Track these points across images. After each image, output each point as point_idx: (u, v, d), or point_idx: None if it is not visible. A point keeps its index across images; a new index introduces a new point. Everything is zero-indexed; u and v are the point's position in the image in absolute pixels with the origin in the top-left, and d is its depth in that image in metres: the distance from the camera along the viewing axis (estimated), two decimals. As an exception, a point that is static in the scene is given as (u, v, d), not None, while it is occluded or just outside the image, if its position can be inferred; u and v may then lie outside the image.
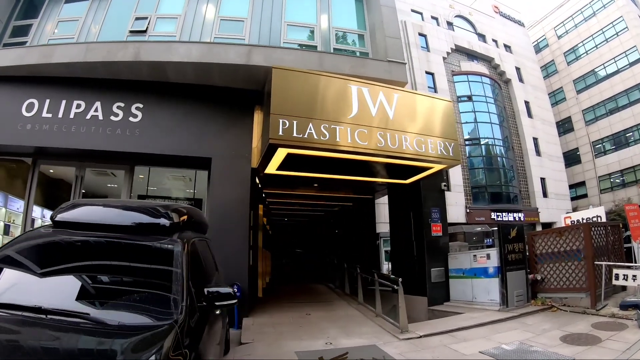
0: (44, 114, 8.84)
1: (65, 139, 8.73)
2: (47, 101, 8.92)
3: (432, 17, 31.23)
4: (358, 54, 10.56)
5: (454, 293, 10.25)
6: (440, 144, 8.73)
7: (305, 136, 7.53)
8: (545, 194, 29.88)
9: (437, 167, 9.30)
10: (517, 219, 27.17)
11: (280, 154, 8.15)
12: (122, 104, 9.06)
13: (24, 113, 8.81)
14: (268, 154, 8.10)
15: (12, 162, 9.93)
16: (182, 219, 3.85)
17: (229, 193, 9.05)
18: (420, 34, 28.95)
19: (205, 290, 3.40)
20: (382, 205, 16.92)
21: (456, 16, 32.62)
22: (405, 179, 10.58)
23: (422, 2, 31.02)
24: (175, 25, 9.99)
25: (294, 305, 10.25)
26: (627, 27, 33.67)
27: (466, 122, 28.73)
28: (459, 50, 30.71)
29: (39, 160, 9.60)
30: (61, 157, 9.48)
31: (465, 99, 29.33)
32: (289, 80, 7.97)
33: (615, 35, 34.75)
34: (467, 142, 28.56)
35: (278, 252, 30.12)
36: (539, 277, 9.23)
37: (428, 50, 28.48)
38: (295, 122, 7.55)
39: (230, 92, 9.69)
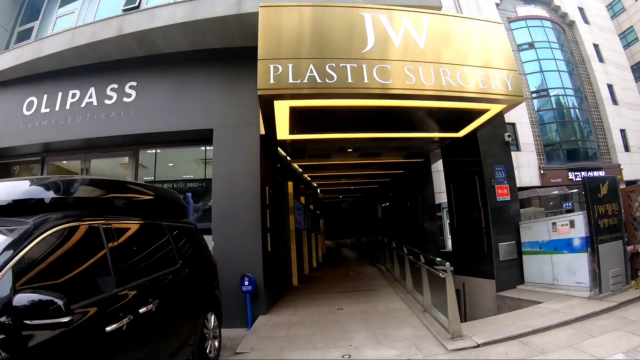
0: (43, 110, 8.58)
1: (64, 131, 8.29)
2: (45, 96, 8.62)
3: (480, -43, 27.03)
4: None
5: (530, 273, 7.89)
6: (494, 76, 6.35)
7: (305, 80, 5.60)
8: (627, 148, 25.57)
9: (494, 109, 6.92)
10: None
11: (282, 110, 6.35)
12: (115, 86, 8.26)
13: (25, 112, 8.66)
14: (266, 111, 6.34)
15: (29, 162, 9.73)
16: (75, 194, 2.96)
17: (235, 168, 7.58)
18: (469, -22, 25.18)
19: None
20: (442, 173, 14.57)
21: (506, -46, 28.13)
22: (457, 131, 8.26)
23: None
24: (168, -6, 8.64)
25: (330, 295, 8.49)
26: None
27: (531, 73, 25.03)
28: (513, -7, 26.52)
29: (46, 158, 9.35)
30: (65, 151, 9.10)
31: (527, 46, 25.54)
32: (281, 17, 6.08)
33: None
34: (534, 95, 24.97)
35: (327, 233, 28.85)
36: (641, 249, 6.57)
37: (480, -5, 24.72)
38: (290, 65, 5.65)
39: (229, 54, 8.16)
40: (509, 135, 8.89)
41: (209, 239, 7.01)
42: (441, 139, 9.06)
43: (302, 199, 12.75)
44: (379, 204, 20.74)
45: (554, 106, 25.24)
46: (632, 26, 32.36)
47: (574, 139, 24.72)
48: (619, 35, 30.83)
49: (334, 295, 8.40)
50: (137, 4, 8.68)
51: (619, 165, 24.52)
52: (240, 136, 7.70)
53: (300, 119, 6.92)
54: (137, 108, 8.05)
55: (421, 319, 5.93)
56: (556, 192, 22.83)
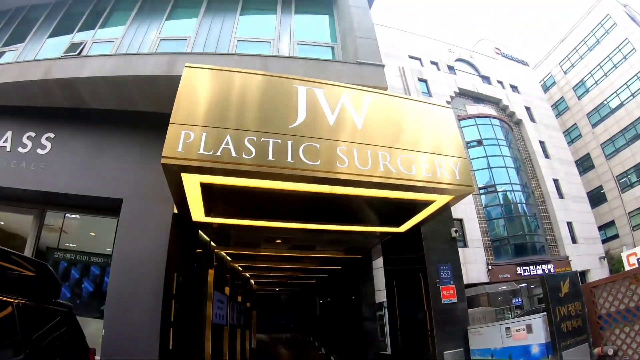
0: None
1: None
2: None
3: (432, 62, 29.93)
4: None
5: (481, 386, 6.97)
6: (440, 163, 5.94)
7: (219, 153, 4.91)
8: (574, 240, 26.60)
9: (440, 200, 6.46)
10: (546, 271, 23.81)
11: (192, 186, 5.60)
12: (32, 134, 7.56)
13: None
14: (174, 185, 5.48)
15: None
16: None
17: (141, 246, 6.74)
18: (420, 79, 27.74)
19: None
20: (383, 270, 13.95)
21: (457, 60, 31.19)
22: (399, 225, 7.68)
23: (419, 48, 29.95)
24: (111, 48, 8.48)
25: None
26: (634, 49, 31.35)
27: (479, 169, 26.22)
28: (463, 93, 29.02)
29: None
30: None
31: (475, 143, 27.13)
32: (205, 80, 5.65)
33: (624, 59, 32.27)
34: (482, 191, 25.94)
35: (263, 326, 27.35)
36: (610, 351, 5.87)
37: (430, 95, 26.82)
38: (204, 133, 5.04)
39: (155, 119, 7.42)
40: (455, 231, 8.50)
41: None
42: (381, 233, 8.50)
43: (227, 289, 11.41)
44: (317, 299, 19.64)
45: (502, 201, 26.16)
46: (575, 123, 35.82)
47: (521, 234, 25.32)
48: (563, 133, 33.85)
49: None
50: (77, 52, 8.23)
51: (567, 257, 25.22)
52: (152, 212, 6.98)
53: (216, 200, 6.25)
54: (49, 163, 7.28)
55: None
56: (504, 287, 22.84)
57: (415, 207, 6.76)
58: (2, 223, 8.01)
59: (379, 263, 13.36)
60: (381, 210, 6.99)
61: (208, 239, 9.41)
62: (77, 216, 7.99)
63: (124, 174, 7.18)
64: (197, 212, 6.70)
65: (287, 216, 7.01)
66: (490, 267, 23.05)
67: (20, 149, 7.37)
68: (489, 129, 27.64)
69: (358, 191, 5.76)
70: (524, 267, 23.63)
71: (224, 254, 11.26)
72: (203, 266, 9.15)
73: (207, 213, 6.73)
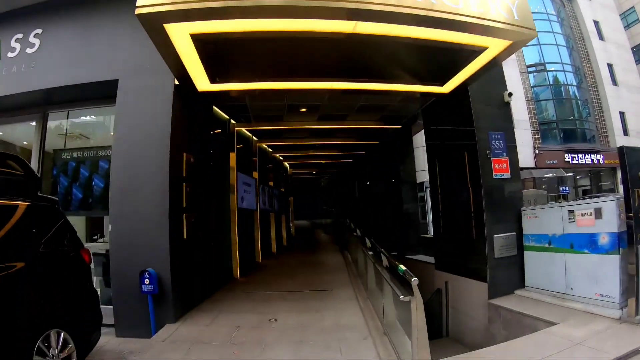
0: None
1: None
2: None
3: None
4: None
5: (533, 276, 6.28)
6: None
7: (203, -13, 3.66)
8: (626, 132, 24.04)
9: (493, 48, 5.05)
10: (595, 161, 22.18)
11: (183, 41, 4.47)
12: (20, 35, 6.69)
13: None
14: (160, 44, 4.43)
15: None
16: None
17: (142, 129, 5.86)
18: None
19: None
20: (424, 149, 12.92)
21: None
22: (443, 83, 6.39)
23: None
24: None
25: (271, 296, 6.75)
26: None
27: (528, 45, 22.89)
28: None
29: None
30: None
31: (525, 17, 23.33)
32: None
33: None
34: (529, 69, 23.12)
35: (301, 212, 27.73)
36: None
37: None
38: None
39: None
40: (509, 94, 7.10)
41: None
42: (422, 95, 7.18)
43: (255, 173, 10.85)
44: (354, 181, 19.08)
45: (551, 82, 23.57)
46: (633, 7, 30.48)
47: (571, 119, 23.21)
48: (619, 15, 29.04)
49: (277, 297, 6.68)
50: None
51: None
52: (150, 88, 5.94)
53: (217, 59, 5.08)
54: (41, 60, 6.45)
55: (377, 346, 4.20)
56: (550, 174, 21.49)
57: (462, 57, 5.39)
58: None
59: (419, 142, 12.40)
60: (420, 62, 5.69)
61: (226, 117, 8.55)
62: (84, 118, 7.24)
63: (117, 53, 6.10)
64: (201, 79, 5.66)
65: (307, 72, 5.79)
66: (537, 152, 21.47)
67: (10, 54, 6.65)
68: (539, 2, 23.93)
69: (391, 29, 4.44)
70: (573, 155, 21.95)
71: (248, 133, 10.45)
72: (224, 147, 8.47)
73: (212, 79, 5.67)
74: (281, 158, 15.62)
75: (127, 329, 5.41)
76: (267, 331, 4.95)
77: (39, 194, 4.23)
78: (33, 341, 3.27)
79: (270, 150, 13.25)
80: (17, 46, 6.60)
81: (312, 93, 6.73)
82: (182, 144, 6.03)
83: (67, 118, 7.12)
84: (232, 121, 8.82)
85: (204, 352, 4.31)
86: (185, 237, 5.93)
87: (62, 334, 3.62)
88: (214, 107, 7.79)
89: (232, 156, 8.60)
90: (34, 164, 6.97)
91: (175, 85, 5.81)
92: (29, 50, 6.51)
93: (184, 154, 6.06)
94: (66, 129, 7.11)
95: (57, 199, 4.55)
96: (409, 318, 3.35)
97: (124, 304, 5.51)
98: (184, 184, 6.01)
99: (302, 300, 6.38)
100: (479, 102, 6.77)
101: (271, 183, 13.25)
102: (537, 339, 4.24)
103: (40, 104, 6.91)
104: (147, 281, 5.28)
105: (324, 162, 17.09)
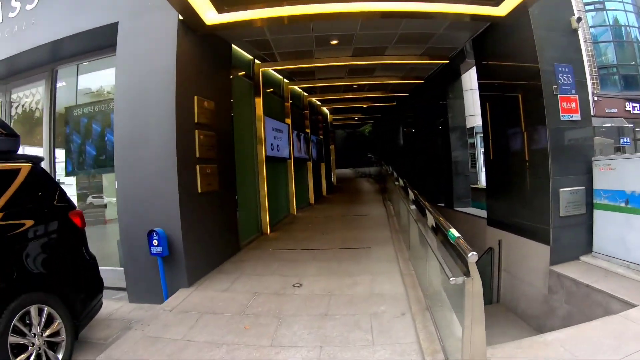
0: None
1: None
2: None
3: None
4: None
5: (603, 239, 5.22)
6: None
7: None
8: None
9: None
10: None
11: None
12: None
13: None
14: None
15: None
16: None
17: (146, 73, 5.18)
18: None
19: None
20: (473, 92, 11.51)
21: None
22: (498, 3, 5.15)
23: None
24: None
25: (300, 256, 6.17)
26: None
27: None
28: None
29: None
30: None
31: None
32: None
33: None
34: (587, 6, 20.65)
35: (344, 160, 27.01)
36: None
37: None
38: None
39: None
40: (578, 19, 5.72)
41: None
42: (472, 20, 5.91)
43: (288, 120, 10.04)
44: (398, 126, 17.88)
45: (611, 23, 21.18)
46: None
47: (633, 64, 21.00)
48: None
49: (307, 256, 6.07)
50: None
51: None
52: (152, 27, 5.21)
53: None
54: (41, 14, 5.97)
55: (417, 327, 3.47)
56: (609, 124, 19.37)
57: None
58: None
59: (467, 84, 11.06)
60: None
61: (249, 57, 7.70)
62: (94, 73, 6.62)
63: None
64: (206, 10, 4.82)
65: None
66: (596, 98, 19.24)
67: (10, 15, 6.27)
68: None
69: None
70: (634, 104, 19.84)
71: (277, 75, 9.58)
72: (249, 91, 7.70)
73: (219, 7, 4.81)
74: (318, 102, 14.64)
75: (140, 295, 4.98)
76: (288, 300, 4.35)
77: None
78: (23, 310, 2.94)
79: (305, 94, 12.31)
80: (17, 5, 6.20)
81: (341, 18, 5.58)
82: (192, 86, 5.31)
83: (77, 74, 6.59)
84: (257, 61, 7.95)
85: (211, 325, 3.77)
86: (199, 191, 5.33)
87: (47, 309, 3.16)
88: (234, 47, 6.93)
89: (258, 102, 7.82)
90: (45, 124, 6.63)
91: (180, 21, 5.01)
92: (28, 7, 6.07)
93: (195, 97, 5.34)
94: (76, 86, 6.60)
95: (41, 157, 4.03)
96: (462, 301, 2.55)
97: (135, 267, 5.09)
98: (197, 131, 5.34)
99: (335, 260, 5.73)
100: (542, 28, 5.47)
101: (308, 130, 12.42)
102: (614, 326, 3.34)
103: (47, 62, 6.52)
104: (155, 242, 4.77)
105: (365, 106, 15.92)
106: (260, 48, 7.20)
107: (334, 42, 6.89)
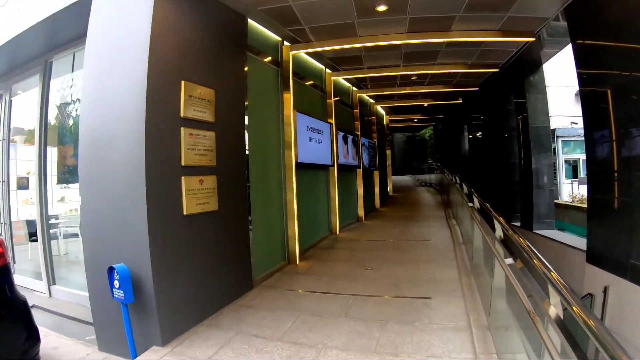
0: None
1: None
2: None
3: None
4: None
5: None
6: None
7: None
8: None
9: None
10: None
11: None
12: None
13: None
14: None
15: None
16: None
17: (111, 52, 3.90)
18: None
19: None
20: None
21: None
22: None
23: None
24: None
25: (333, 304, 4.40)
26: None
27: None
28: None
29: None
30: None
31: None
32: None
33: None
34: None
35: (402, 166, 25.32)
36: None
37: None
38: None
39: None
40: None
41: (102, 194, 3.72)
42: None
43: (331, 119, 8.36)
44: (464, 128, 15.66)
45: None
46: None
47: None
48: None
49: (338, 307, 4.32)
50: None
51: None
52: None
53: None
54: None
55: None
56: None
57: None
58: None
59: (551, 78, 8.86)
60: None
61: (275, 38, 6.14)
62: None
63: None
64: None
65: None
66: None
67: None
68: None
69: None
70: None
71: (315, 63, 7.91)
72: (274, 80, 6.12)
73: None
74: (371, 100, 12.82)
75: (109, 344, 3.70)
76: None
77: None
78: None
79: (353, 89, 10.55)
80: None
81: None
82: (177, 66, 3.82)
83: (73, 65, 5.37)
84: (286, 43, 6.35)
85: None
86: (185, 212, 3.80)
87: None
88: (251, 23, 5.39)
89: (287, 94, 6.19)
90: (35, 119, 5.53)
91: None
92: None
93: (183, 83, 3.83)
94: (72, 79, 5.39)
95: None
96: None
97: (102, 310, 3.71)
98: (183, 128, 3.82)
99: (377, 320, 3.89)
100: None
101: (358, 132, 10.65)
102: None
103: (39, 54, 5.53)
104: (116, 283, 3.32)
105: (425, 104, 13.84)
106: (283, 21, 5.55)
107: (382, 7, 5.09)
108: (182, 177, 3.80)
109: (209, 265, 4.15)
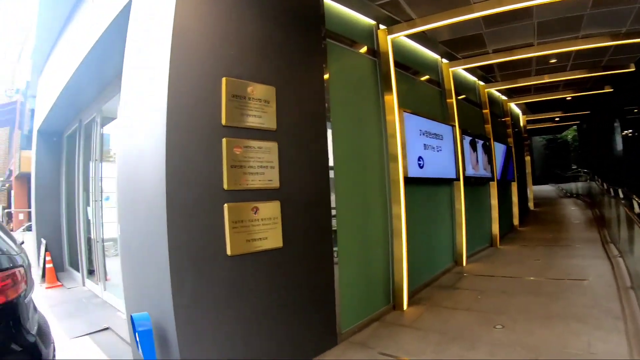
0: None
1: None
2: None
3: None
4: None
5: None
6: None
7: None
8: None
9: None
10: None
11: None
12: None
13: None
14: None
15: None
16: None
17: (144, 54, 3.27)
18: None
19: None
20: None
21: None
22: None
23: None
24: None
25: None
26: None
27: None
28: None
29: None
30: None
31: None
32: None
33: None
34: None
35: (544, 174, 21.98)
36: None
37: None
38: None
39: None
40: None
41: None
42: None
43: (453, 121, 6.72)
44: (614, 123, 12.44)
45: None
46: None
47: None
48: None
49: None
50: None
51: None
52: None
53: None
54: None
55: None
56: None
57: None
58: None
59: None
60: None
61: (369, 21, 4.87)
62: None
63: None
64: None
65: None
66: None
67: None
68: None
69: None
70: None
71: (427, 52, 6.38)
72: (370, 74, 4.85)
73: None
74: (503, 97, 10.62)
75: None
76: None
77: None
78: None
79: (480, 83, 8.68)
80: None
81: None
82: (215, 57, 2.86)
83: None
84: (382, 27, 5.04)
85: None
86: (230, 252, 2.77)
87: None
88: (329, 3, 4.22)
89: (389, 93, 4.86)
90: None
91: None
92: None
93: (224, 80, 2.85)
94: None
95: None
96: None
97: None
98: (226, 139, 2.82)
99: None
100: None
101: (490, 136, 8.71)
102: None
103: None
104: (137, 337, 2.49)
105: (568, 98, 11.04)
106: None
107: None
108: (225, 205, 2.79)
109: (267, 320, 3.05)
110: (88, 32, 4.74)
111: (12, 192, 18.65)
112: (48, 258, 7.76)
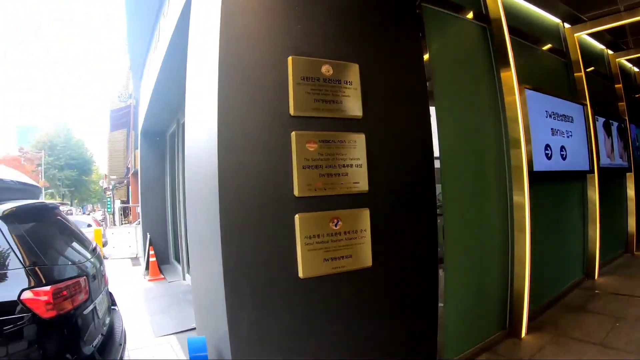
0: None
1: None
2: None
3: None
4: None
5: None
6: None
7: None
8: None
9: None
10: None
11: None
12: None
13: None
14: None
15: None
16: None
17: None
18: None
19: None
20: None
21: None
22: None
23: None
24: None
25: None
26: None
27: None
28: None
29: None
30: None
31: None
32: None
33: None
34: None
35: None
36: None
37: None
38: None
39: None
40: None
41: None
42: None
43: (584, 99, 5.37)
44: None
45: None
46: None
47: None
48: None
49: None
50: None
51: None
52: None
53: None
54: None
55: None
56: None
57: None
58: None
59: None
60: None
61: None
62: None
63: None
64: None
65: None
66: None
67: None
68: None
69: None
70: None
71: (543, 14, 5.16)
72: (478, 45, 3.91)
73: None
74: (636, 69, 8.56)
75: None
76: None
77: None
78: None
79: (608, 52, 6.97)
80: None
81: None
82: (279, 31, 2.30)
83: None
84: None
85: None
86: (302, 275, 2.19)
87: None
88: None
89: (506, 74, 3.86)
90: None
91: None
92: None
93: (291, 59, 2.25)
94: None
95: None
96: None
97: None
98: (295, 133, 2.23)
99: None
100: None
101: (625, 116, 7.02)
102: None
103: None
104: None
105: None
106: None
107: None
108: (296, 216, 2.20)
109: (350, 351, 2.42)
110: (166, 35, 4.59)
111: (130, 187, 20.51)
112: (152, 252, 8.07)
